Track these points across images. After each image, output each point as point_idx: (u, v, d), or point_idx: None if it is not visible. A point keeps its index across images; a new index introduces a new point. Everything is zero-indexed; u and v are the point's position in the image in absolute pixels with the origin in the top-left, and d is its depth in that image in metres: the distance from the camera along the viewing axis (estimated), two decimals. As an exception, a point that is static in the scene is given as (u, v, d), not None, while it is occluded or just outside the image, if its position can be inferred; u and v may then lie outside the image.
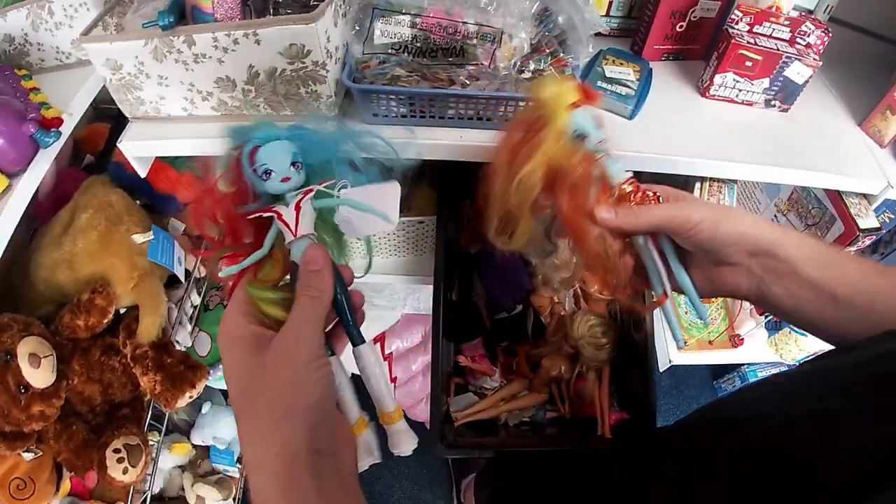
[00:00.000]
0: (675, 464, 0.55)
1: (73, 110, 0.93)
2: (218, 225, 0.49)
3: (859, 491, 0.33)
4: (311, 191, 0.46)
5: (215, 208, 0.48)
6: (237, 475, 1.52)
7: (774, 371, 1.79)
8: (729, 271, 0.53)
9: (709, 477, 0.47)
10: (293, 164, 0.46)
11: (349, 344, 0.48)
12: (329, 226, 0.49)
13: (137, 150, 0.88)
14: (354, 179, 0.49)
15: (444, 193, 0.99)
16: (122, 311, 1.06)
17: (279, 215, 0.45)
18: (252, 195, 0.48)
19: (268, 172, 0.45)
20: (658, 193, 0.55)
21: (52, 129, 0.88)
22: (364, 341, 0.47)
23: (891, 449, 0.33)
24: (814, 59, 0.85)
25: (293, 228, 0.45)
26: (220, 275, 0.49)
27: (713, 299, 1.60)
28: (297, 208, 0.45)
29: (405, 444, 0.46)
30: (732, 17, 0.87)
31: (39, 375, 0.92)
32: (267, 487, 0.39)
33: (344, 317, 0.46)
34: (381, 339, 0.37)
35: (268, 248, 0.46)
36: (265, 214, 0.46)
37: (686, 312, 1.60)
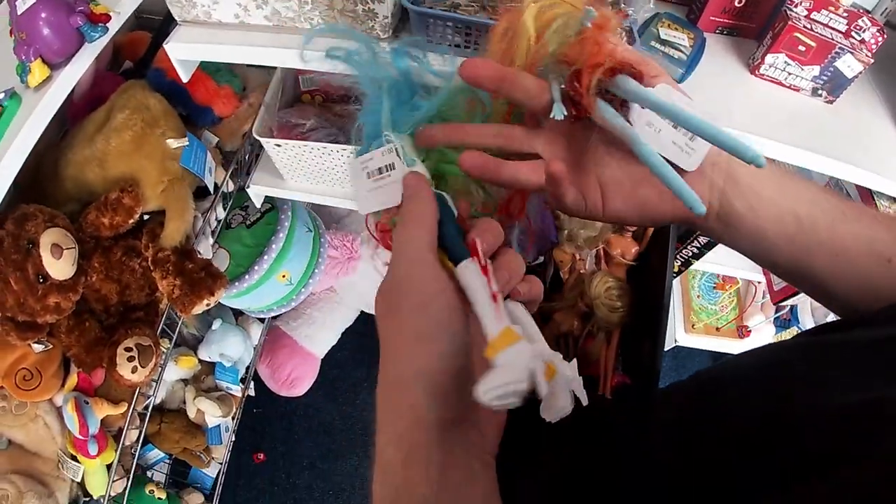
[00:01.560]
0: (669, 427, 0.54)
1: (121, 9, 0.92)
2: None
3: (843, 454, 0.31)
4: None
5: None
6: (239, 394, 1.55)
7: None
8: (689, 177, 0.43)
9: (701, 440, 0.45)
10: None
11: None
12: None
13: (183, 52, 0.87)
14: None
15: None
16: (147, 217, 1.06)
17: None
18: None
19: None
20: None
21: (99, 25, 0.87)
22: (464, 256, 0.39)
23: (876, 410, 0.32)
24: (866, 55, 0.85)
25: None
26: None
27: (726, 286, 1.61)
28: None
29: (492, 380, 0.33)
30: None
31: (59, 267, 0.93)
32: (388, 450, 0.35)
33: (446, 241, 0.40)
34: (475, 251, 0.34)
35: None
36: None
37: (699, 296, 1.61)
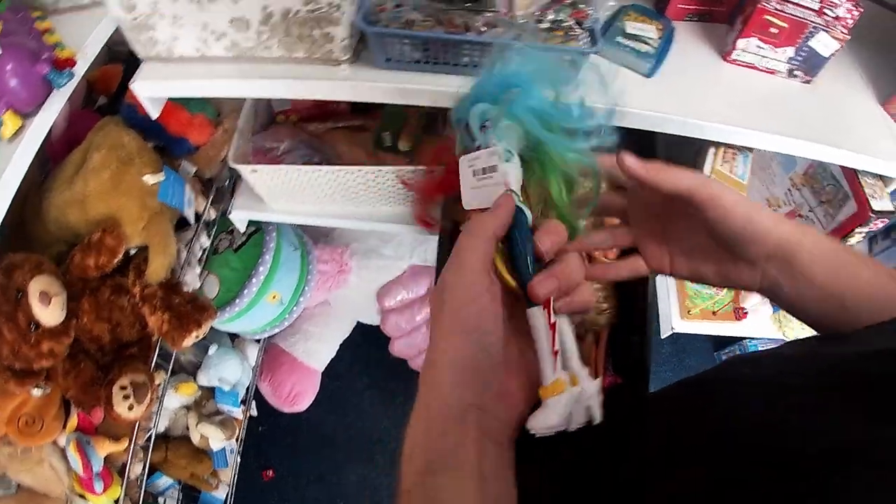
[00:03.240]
0: (655, 434, 0.55)
1: (86, 51, 0.92)
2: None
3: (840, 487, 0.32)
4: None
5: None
6: (241, 416, 1.55)
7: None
8: (746, 269, 0.50)
9: (686, 452, 0.45)
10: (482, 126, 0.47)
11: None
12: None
13: (150, 90, 0.88)
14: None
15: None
16: (133, 252, 1.07)
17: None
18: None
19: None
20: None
21: (66, 70, 0.87)
22: (531, 304, 0.43)
23: (871, 447, 0.33)
24: (841, 32, 0.83)
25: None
26: None
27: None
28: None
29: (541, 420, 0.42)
30: (762, -19, 0.85)
31: (50, 313, 0.93)
32: (420, 407, 0.41)
33: (517, 263, 0.43)
34: (547, 304, 0.38)
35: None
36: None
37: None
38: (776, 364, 0.49)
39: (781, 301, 0.50)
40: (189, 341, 1.04)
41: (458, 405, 0.40)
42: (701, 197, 0.48)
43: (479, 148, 0.47)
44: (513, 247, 0.43)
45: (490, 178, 0.45)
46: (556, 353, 0.41)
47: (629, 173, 0.49)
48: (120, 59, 1.21)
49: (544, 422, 0.40)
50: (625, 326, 0.95)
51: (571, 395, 0.41)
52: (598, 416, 0.43)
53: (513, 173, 0.45)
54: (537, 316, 0.42)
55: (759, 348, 1.80)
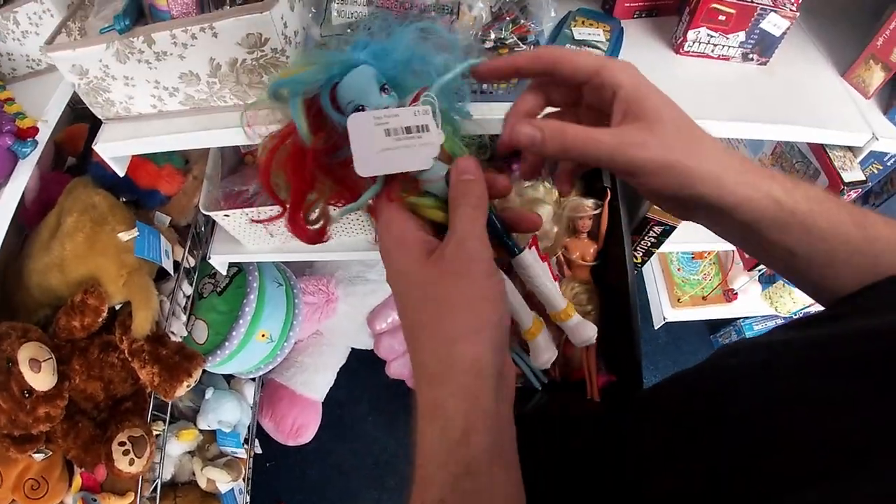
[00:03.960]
0: (654, 428, 0.54)
1: (47, 117, 0.93)
2: (304, 182, 0.45)
3: (840, 469, 0.32)
4: (417, 97, 0.42)
5: (304, 166, 0.44)
6: (245, 456, 1.56)
7: (770, 324, 1.79)
8: (678, 210, 0.48)
9: (687, 441, 0.46)
10: (382, 88, 0.42)
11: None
12: (448, 128, 0.45)
13: (113, 150, 0.88)
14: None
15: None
16: (118, 307, 1.07)
17: None
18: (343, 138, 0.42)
19: (359, 108, 0.41)
20: None
21: (29, 139, 0.88)
22: (521, 250, 0.44)
23: (875, 431, 0.33)
24: (791, 9, 0.83)
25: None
26: (335, 214, 0.47)
27: (705, 254, 1.60)
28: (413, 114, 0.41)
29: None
30: (704, -31, 0.85)
31: (41, 379, 0.94)
32: (448, 402, 0.37)
33: (496, 228, 0.43)
34: (534, 242, 0.38)
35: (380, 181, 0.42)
36: None
37: (679, 269, 1.60)
38: (758, 350, 0.48)
39: (726, 237, 0.48)
40: (181, 391, 1.04)
41: (496, 377, 0.38)
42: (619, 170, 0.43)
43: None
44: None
45: (418, 137, 0.42)
46: (557, 278, 0.45)
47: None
48: (85, 116, 1.22)
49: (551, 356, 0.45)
50: (611, 324, 0.95)
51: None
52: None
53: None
54: (530, 257, 0.44)
55: (755, 327, 1.81)
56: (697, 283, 1.56)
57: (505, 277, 0.42)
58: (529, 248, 0.43)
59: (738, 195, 0.41)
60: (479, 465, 0.36)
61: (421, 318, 0.40)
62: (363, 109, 0.41)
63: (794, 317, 1.60)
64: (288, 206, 0.47)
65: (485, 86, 0.78)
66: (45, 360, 0.96)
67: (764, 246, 0.45)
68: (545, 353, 0.44)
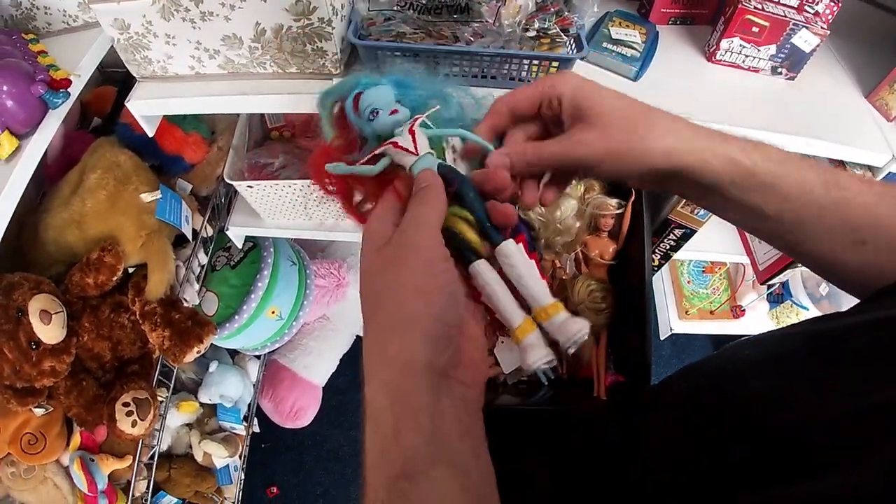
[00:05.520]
0: (663, 420, 0.54)
1: (81, 72, 0.93)
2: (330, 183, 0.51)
3: (853, 453, 0.32)
4: (418, 118, 0.47)
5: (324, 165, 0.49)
6: (243, 433, 1.56)
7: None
8: (649, 185, 0.49)
9: (695, 434, 0.46)
10: (396, 101, 0.48)
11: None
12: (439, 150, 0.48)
13: (145, 109, 0.89)
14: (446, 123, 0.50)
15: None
16: (131, 270, 1.07)
17: (395, 144, 0.45)
18: (359, 144, 0.50)
19: (375, 111, 0.47)
20: None
21: (61, 90, 0.88)
22: (503, 239, 0.43)
23: (885, 412, 0.33)
24: (822, 27, 0.85)
25: (413, 149, 0.45)
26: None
27: (716, 269, 1.61)
28: (412, 132, 0.45)
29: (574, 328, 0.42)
30: (742, -18, 0.87)
31: (50, 331, 0.94)
32: (377, 398, 0.36)
33: (477, 216, 0.44)
34: (521, 239, 0.38)
35: (378, 170, 0.47)
36: (379, 150, 0.46)
37: (689, 282, 1.60)
38: (771, 342, 0.48)
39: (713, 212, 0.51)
40: (190, 357, 1.04)
41: (428, 370, 0.36)
42: (568, 166, 0.47)
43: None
44: (466, 201, 0.44)
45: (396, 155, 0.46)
46: (544, 276, 0.43)
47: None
48: (113, 81, 1.22)
49: (541, 356, 0.41)
50: (623, 325, 0.96)
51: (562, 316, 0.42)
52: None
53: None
54: (514, 250, 0.42)
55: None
56: (706, 297, 1.57)
57: (482, 270, 0.42)
58: (518, 242, 0.43)
59: (693, 159, 0.44)
60: (415, 466, 0.34)
61: (365, 309, 0.40)
62: (378, 113, 0.47)
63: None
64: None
65: (524, 72, 0.79)
66: (55, 313, 0.95)
67: (731, 207, 0.47)
68: (531, 355, 0.40)
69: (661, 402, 0.59)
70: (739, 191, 0.44)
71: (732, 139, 0.45)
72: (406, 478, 0.34)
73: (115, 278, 1.01)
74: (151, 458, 1.23)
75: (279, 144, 1.16)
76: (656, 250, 1.06)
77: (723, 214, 0.50)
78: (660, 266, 1.10)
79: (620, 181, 0.49)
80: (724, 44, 0.90)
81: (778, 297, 1.50)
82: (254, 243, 1.35)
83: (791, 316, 1.47)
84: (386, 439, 0.35)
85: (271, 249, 1.33)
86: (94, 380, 1.07)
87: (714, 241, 1.18)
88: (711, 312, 1.57)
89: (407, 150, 0.45)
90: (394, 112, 0.47)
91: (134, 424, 1.03)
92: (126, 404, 1.03)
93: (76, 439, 1.11)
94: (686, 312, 1.58)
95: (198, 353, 1.05)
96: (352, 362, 1.82)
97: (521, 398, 0.94)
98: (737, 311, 1.54)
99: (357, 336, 1.80)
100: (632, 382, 0.93)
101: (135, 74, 0.88)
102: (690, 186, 0.46)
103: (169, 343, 1.02)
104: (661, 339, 1.67)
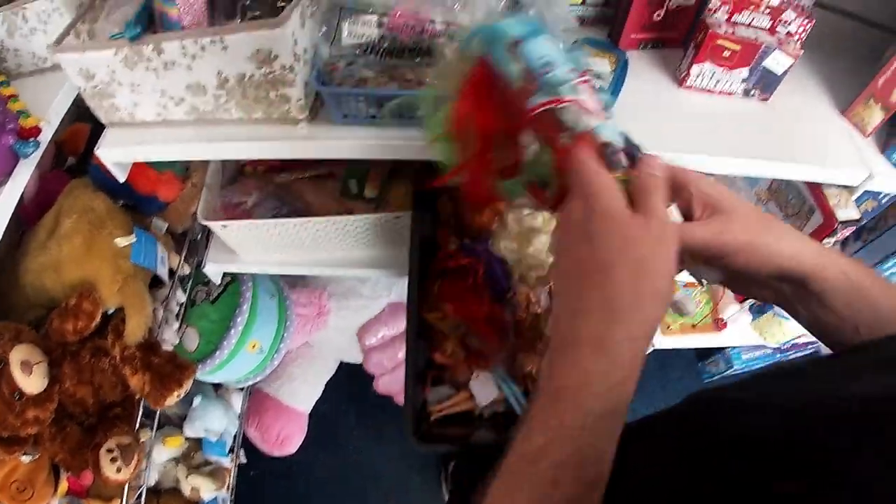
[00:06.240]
0: (643, 456, 0.54)
1: (51, 118, 0.93)
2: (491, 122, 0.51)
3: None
4: (588, 78, 0.47)
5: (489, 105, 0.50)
6: (230, 465, 1.55)
7: (758, 353, 1.80)
8: (756, 287, 0.53)
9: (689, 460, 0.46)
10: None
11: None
12: None
13: (114, 156, 0.88)
14: None
15: (420, 191, 0.99)
16: (111, 311, 1.07)
17: (578, 103, 0.45)
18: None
19: (549, 65, 0.46)
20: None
21: (31, 140, 0.88)
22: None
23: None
24: (794, 48, 0.84)
25: (598, 109, 0.45)
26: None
27: (697, 283, 1.60)
28: (591, 89, 0.45)
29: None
30: (711, 6, 0.85)
31: (32, 382, 0.94)
32: (623, 347, 0.41)
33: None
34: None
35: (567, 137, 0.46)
36: (561, 105, 0.46)
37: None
38: (760, 385, 0.51)
39: (797, 318, 0.53)
40: (171, 401, 1.04)
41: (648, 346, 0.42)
42: (708, 253, 0.49)
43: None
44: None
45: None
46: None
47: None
48: (87, 116, 1.21)
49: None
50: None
51: None
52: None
53: None
54: None
55: (743, 356, 1.81)
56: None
57: None
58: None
59: (813, 265, 0.48)
60: (622, 410, 0.41)
61: (615, 258, 0.42)
62: (552, 67, 0.46)
63: (784, 347, 1.61)
64: (469, 159, 0.54)
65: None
66: (37, 363, 0.95)
67: (821, 315, 0.50)
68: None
69: (642, 435, 0.58)
70: (840, 302, 0.49)
71: (843, 255, 0.51)
72: (613, 416, 0.41)
73: (93, 324, 1.01)
74: (139, 498, 1.22)
75: (253, 180, 1.16)
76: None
77: (803, 320, 0.53)
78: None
79: (738, 276, 0.51)
80: (694, 69, 0.89)
81: (760, 308, 1.49)
82: (232, 277, 1.34)
83: (774, 326, 1.46)
84: (613, 381, 0.41)
85: (250, 283, 1.33)
86: (79, 424, 1.07)
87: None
88: (693, 326, 1.56)
89: (590, 110, 0.45)
90: (572, 70, 0.46)
91: (118, 471, 1.03)
92: (110, 450, 1.03)
93: (63, 485, 1.11)
94: (668, 327, 1.57)
95: (178, 396, 1.04)
96: (337, 387, 1.81)
97: (497, 432, 0.94)
98: (719, 324, 1.53)
99: (341, 361, 1.80)
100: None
101: (103, 121, 0.88)
102: (800, 293, 0.50)
103: (149, 387, 1.02)
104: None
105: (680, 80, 0.92)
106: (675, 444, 0.49)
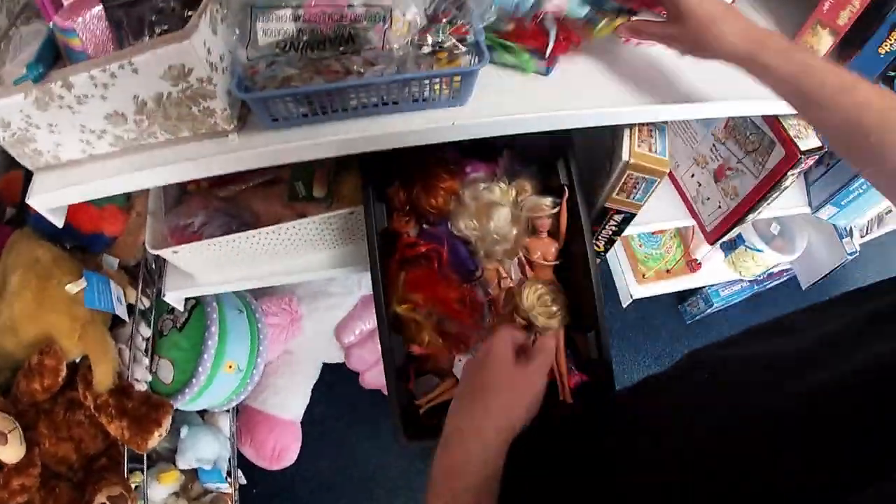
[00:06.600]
0: (621, 437, 0.60)
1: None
2: None
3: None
4: None
5: None
6: (230, 490, 1.52)
7: (736, 288, 1.81)
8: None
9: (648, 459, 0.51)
10: None
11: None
12: None
13: (47, 202, 0.84)
14: None
15: (370, 181, 0.96)
16: (77, 360, 1.03)
17: None
18: None
19: None
20: None
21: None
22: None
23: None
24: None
25: None
26: None
27: (664, 229, 1.61)
28: None
29: None
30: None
31: (9, 451, 0.92)
32: (476, 452, 0.58)
33: None
34: None
35: None
36: None
37: (640, 245, 1.60)
38: (736, 368, 0.54)
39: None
40: (153, 442, 1.01)
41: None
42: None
43: None
44: None
45: None
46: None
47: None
48: (19, 164, 1.16)
49: None
50: (578, 324, 0.94)
51: None
52: None
53: None
54: None
55: (721, 293, 1.82)
56: (661, 258, 1.57)
57: None
58: None
59: (750, 49, 0.69)
60: (496, 476, 0.57)
61: (495, 384, 0.64)
62: None
63: (759, 279, 1.62)
64: None
65: (426, 92, 0.76)
66: (10, 431, 0.92)
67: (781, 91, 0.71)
68: None
69: (623, 415, 0.67)
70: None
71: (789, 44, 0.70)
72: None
73: (60, 378, 0.98)
74: (141, 543, 1.19)
75: (197, 198, 1.12)
76: (599, 237, 1.04)
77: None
78: (606, 250, 1.09)
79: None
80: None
81: (731, 244, 1.50)
82: (197, 300, 1.31)
83: (748, 260, 1.47)
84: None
85: (214, 304, 1.29)
86: (67, 482, 1.05)
87: (657, 211, 1.17)
88: (668, 271, 1.57)
89: None
90: None
91: (114, 524, 1.00)
92: (102, 504, 1.00)
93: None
94: (643, 276, 1.58)
95: (159, 436, 1.02)
96: (325, 390, 1.79)
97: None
98: (693, 265, 1.54)
99: (323, 363, 1.77)
100: (595, 381, 0.91)
101: (30, 167, 0.83)
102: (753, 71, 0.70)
103: (129, 433, 1.00)
104: (624, 306, 1.67)
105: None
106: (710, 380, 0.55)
